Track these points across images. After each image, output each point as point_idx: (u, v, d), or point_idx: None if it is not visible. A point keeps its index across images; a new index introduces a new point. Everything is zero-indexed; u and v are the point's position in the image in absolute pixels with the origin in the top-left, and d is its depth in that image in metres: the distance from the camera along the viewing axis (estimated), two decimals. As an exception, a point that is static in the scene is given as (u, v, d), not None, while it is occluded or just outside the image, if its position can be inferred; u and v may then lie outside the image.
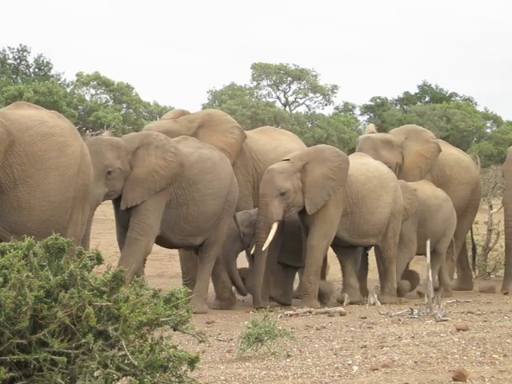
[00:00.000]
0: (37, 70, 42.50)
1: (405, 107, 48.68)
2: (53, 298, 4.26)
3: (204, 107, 46.58)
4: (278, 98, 48.67)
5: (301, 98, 48.74)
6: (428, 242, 11.56)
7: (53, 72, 42.45)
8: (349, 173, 12.30)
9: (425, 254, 13.79)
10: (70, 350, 4.17)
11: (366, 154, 13.59)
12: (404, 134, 14.80)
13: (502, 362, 6.77)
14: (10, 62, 42.52)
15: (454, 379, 6.02)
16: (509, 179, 14.45)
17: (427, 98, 49.44)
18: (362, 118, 48.41)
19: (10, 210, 9.29)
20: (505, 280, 14.10)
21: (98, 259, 4.52)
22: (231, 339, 8.72)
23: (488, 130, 45.86)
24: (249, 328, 7.53)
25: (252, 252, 12.03)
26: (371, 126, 15.82)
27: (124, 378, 4.35)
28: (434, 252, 13.51)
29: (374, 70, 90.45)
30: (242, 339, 7.53)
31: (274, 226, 11.77)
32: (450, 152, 15.13)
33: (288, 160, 12.21)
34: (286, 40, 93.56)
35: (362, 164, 12.82)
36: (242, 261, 12.84)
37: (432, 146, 14.63)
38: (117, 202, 11.28)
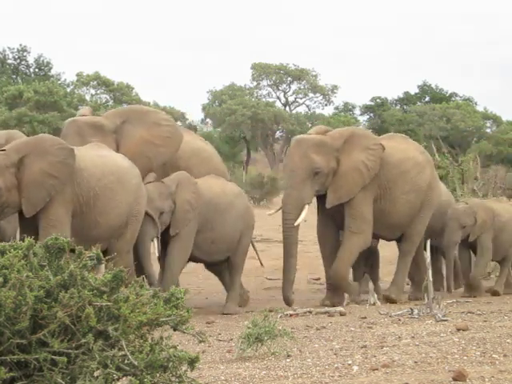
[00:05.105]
0: (37, 70, 42.57)
1: (405, 107, 48.76)
2: (53, 298, 4.26)
3: (204, 107, 46.69)
4: (278, 98, 48.75)
5: (301, 98, 48.85)
6: (428, 241, 11.55)
7: (53, 72, 42.57)
8: (82, 166, 10.37)
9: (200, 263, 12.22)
10: (70, 350, 4.17)
11: (101, 144, 11.25)
12: (121, 117, 11.90)
13: (502, 362, 6.76)
14: (9, 62, 42.60)
15: (454, 379, 6.02)
16: (287, 177, 12.52)
17: (427, 98, 49.52)
18: (362, 118, 48.49)
19: None
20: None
21: (98, 259, 4.52)
22: (231, 339, 8.73)
23: (488, 130, 45.96)
24: (249, 328, 7.54)
25: None
26: (84, 109, 12.96)
27: (124, 378, 4.35)
28: (229, 262, 12.02)
29: (374, 70, 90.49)
30: (241, 339, 7.53)
31: None
32: (186, 140, 12.23)
33: (3, 151, 10.09)
34: (286, 40, 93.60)
35: (99, 157, 10.78)
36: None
37: (165, 129, 11.87)
38: None
